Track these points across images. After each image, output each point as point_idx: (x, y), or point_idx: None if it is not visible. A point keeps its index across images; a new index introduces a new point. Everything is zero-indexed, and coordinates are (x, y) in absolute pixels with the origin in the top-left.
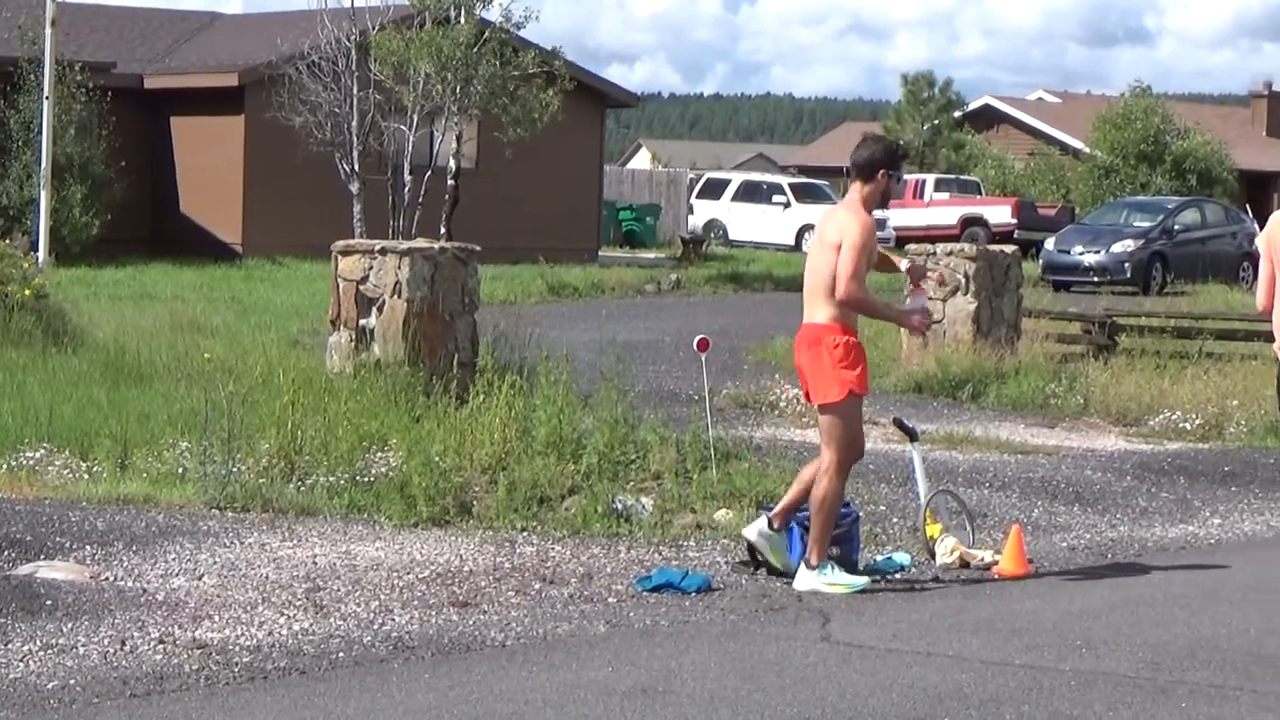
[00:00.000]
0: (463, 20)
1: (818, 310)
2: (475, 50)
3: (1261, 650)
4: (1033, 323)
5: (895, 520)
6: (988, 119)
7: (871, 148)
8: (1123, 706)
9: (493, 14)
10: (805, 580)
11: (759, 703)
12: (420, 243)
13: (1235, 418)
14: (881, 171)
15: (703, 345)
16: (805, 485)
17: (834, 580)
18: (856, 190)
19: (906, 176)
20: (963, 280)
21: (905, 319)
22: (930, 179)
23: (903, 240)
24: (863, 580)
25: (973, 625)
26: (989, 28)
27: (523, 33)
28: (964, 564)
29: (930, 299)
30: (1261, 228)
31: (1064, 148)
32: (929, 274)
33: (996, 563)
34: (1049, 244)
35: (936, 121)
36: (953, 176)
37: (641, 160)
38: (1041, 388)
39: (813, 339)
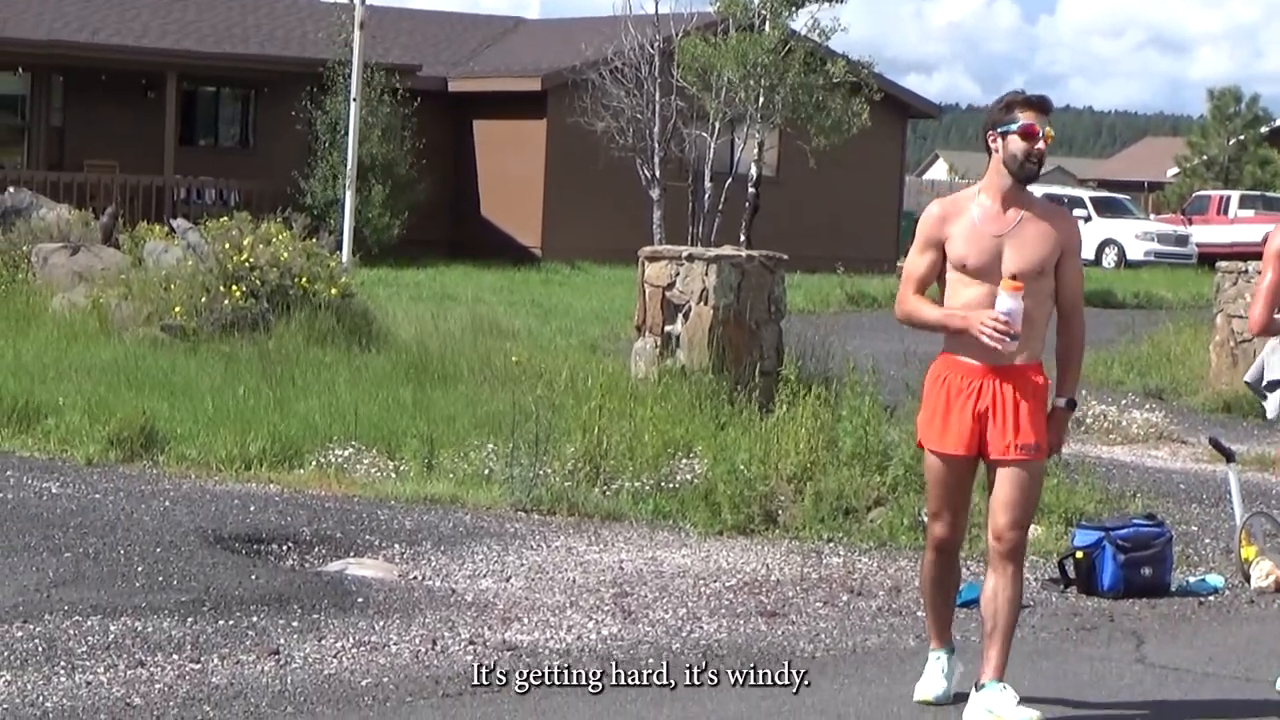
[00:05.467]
0: (768, 28)
1: None
2: (782, 58)
3: None
4: None
5: (1208, 541)
6: None
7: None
8: None
9: (798, 23)
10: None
11: None
12: (727, 250)
13: None
14: (990, 134)
15: None
16: None
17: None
18: None
19: (1210, 193)
20: None
21: (968, 322)
22: (1235, 195)
23: (1207, 258)
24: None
25: None
26: None
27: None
28: None
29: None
30: None
31: None
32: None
33: None
34: None
35: (1242, 137)
36: (1258, 193)
37: (938, 171)
38: None
39: None
